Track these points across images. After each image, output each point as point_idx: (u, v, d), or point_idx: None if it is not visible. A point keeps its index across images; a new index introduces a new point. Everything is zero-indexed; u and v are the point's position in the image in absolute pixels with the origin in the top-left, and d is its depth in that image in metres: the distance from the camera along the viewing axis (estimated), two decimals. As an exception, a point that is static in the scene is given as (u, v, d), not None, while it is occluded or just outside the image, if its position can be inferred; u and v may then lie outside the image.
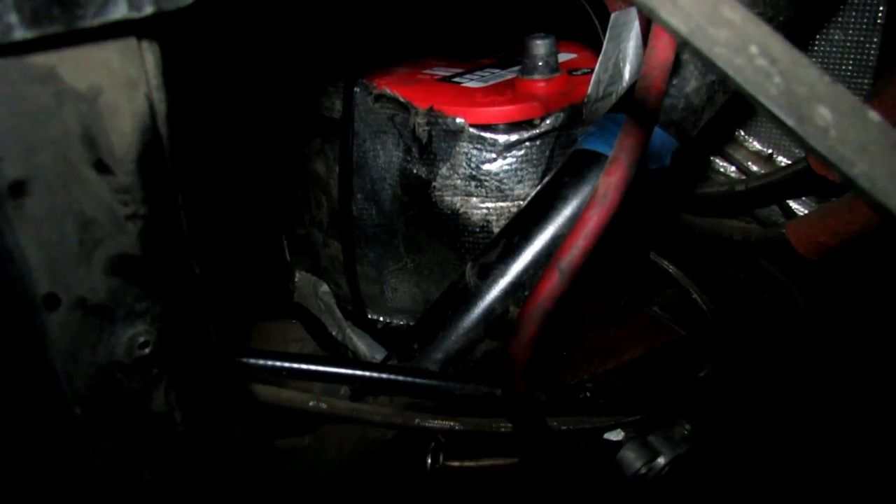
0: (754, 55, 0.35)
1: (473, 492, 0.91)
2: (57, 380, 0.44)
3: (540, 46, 0.93)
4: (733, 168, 1.19)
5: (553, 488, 0.89)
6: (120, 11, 0.38)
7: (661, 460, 0.82)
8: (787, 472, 0.95)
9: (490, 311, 0.71)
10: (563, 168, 0.75)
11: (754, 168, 1.16)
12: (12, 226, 0.40)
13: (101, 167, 0.42)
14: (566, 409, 0.74)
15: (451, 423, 0.71)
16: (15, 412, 0.45)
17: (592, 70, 0.91)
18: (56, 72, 0.39)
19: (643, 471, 0.80)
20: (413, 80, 1.02)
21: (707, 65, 0.35)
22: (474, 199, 0.94)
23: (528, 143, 0.91)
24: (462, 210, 0.96)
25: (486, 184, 0.93)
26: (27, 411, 0.44)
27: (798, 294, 1.07)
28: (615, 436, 0.81)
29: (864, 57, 1.03)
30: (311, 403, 0.68)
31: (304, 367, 0.66)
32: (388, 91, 0.95)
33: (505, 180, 0.93)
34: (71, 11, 0.37)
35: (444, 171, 0.94)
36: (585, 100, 0.92)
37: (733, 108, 1.04)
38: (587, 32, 1.01)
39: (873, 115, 0.35)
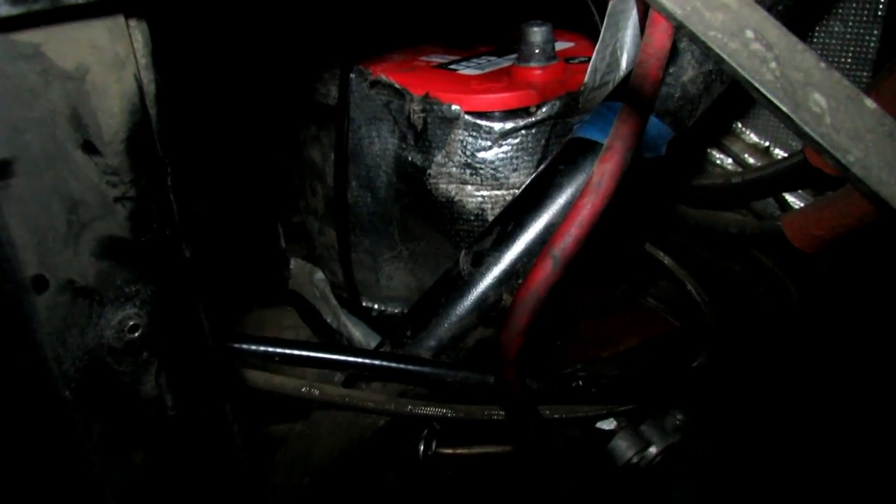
0: (749, 40, 0.34)
1: (466, 479, 0.91)
2: (46, 362, 0.44)
3: (537, 34, 0.93)
4: (730, 160, 1.18)
5: (545, 476, 0.89)
6: (107, -12, 0.38)
7: (652, 450, 0.82)
8: (779, 464, 0.96)
9: (483, 298, 0.71)
10: (558, 156, 0.75)
11: (751, 160, 1.16)
12: (-1, 206, 0.40)
13: (89, 148, 0.42)
14: (559, 398, 0.74)
15: (444, 410, 0.71)
16: (3, 394, 0.45)
17: (589, 59, 0.91)
18: (42, 50, 0.38)
19: (635, 460, 0.80)
20: (409, 66, 1.02)
21: (702, 49, 0.35)
22: (469, 186, 0.94)
23: (523, 131, 0.91)
24: (457, 198, 0.95)
25: (481, 172, 0.93)
26: (16, 393, 0.44)
27: (792, 287, 1.07)
28: (607, 425, 0.81)
29: (864, 49, 1.02)
30: (303, 389, 0.67)
31: (296, 352, 0.66)
32: (383, 77, 0.94)
33: (500, 168, 0.92)
34: (57, -12, 0.36)
35: (439, 158, 0.94)
36: (582, 88, 0.91)
37: (730, 99, 1.04)
38: (584, 21, 1.00)
39: (869, 103, 0.35)
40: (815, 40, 1.06)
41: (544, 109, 0.90)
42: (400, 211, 1.02)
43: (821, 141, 0.35)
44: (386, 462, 0.90)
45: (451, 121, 0.91)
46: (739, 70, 0.35)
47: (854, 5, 1.01)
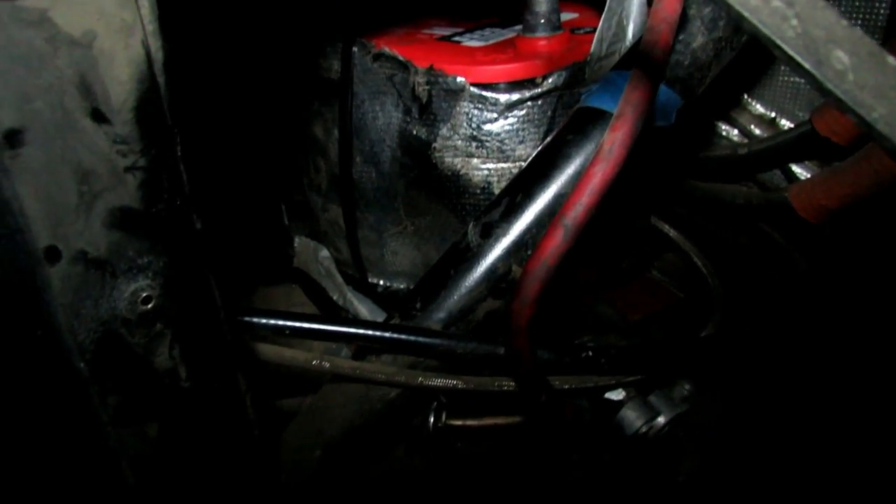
0: (772, -5, 0.34)
1: (475, 449, 0.91)
2: (60, 334, 0.44)
3: (542, 4, 0.91)
4: (736, 131, 1.18)
5: (554, 446, 0.90)
6: (114, -49, 0.37)
7: (661, 419, 0.82)
8: (786, 434, 0.96)
9: (492, 269, 0.71)
10: (567, 126, 0.74)
11: (757, 131, 1.15)
12: (10, 176, 0.39)
13: (98, 116, 0.41)
14: (568, 368, 0.74)
15: (454, 382, 0.71)
16: (19, 366, 0.45)
17: (595, 29, 0.90)
18: (49, 16, 0.38)
19: (643, 430, 0.81)
20: (412, 39, 1.00)
21: (721, 6, 0.34)
22: (475, 160, 0.93)
23: (529, 103, 0.90)
24: (463, 171, 0.95)
25: (487, 144, 0.92)
26: (31, 366, 0.44)
27: (799, 258, 1.07)
28: (616, 395, 0.81)
29: (874, 17, 1.01)
30: (314, 362, 0.68)
31: (306, 325, 0.65)
32: (387, 50, 0.93)
33: (506, 140, 0.91)
34: (64, -50, 0.36)
35: (444, 131, 0.93)
36: (588, 58, 0.90)
37: (736, 69, 1.03)
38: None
39: (892, 60, 0.34)
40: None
41: (550, 80, 0.89)
42: (405, 186, 1.01)
43: (844, 98, 0.34)
44: (396, 434, 0.90)
45: (457, 93, 0.90)
46: (760, 27, 0.34)
47: (864, -29, 1.00)
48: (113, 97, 0.42)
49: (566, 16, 1.04)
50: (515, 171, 0.92)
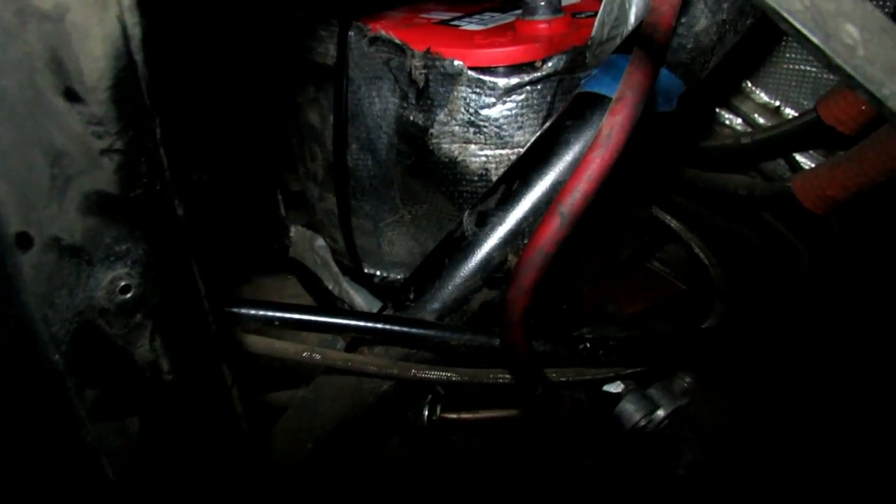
0: (779, -36, 0.32)
1: (470, 443, 0.90)
2: (33, 324, 0.42)
3: (542, -13, 0.89)
4: (739, 120, 1.15)
5: (551, 440, 0.88)
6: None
7: (660, 413, 0.80)
8: (787, 426, 0.95)
9: (488, 259, 0.69)
10: (565, 111, 0.72)
11: (761, 120, 1.13)
12: (-24, 157, 0.37)
13: (71, 95, 0.39)
14: (565, 360, 0.72)
15: (448, 374, 0.69)
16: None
17: (596, 13, 0.87)
18: (17, -13, 0.36)
19: (642, 423, 0.79)
20: (410, 23, 0.98)
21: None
22: (473, 146, 0.91)
23: (528, 87, 0.88)
24: (460, 158, 0.93)
25: (484, 130, 0.90)
26: (1, 357, 0.42)
27: (803, 250, 1.05)
28: (615, 388, 0.80)
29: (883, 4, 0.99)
30: (304, 354, 0.66)
31: (296, 316, 0.64)
32: (383, 33, 0.91)
33: (504, 126, 0.89)
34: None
35: (441, 117, 0.91)
36: (589, 42, 0.88)
37: (740, 57, 1.01)
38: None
39: (906, 35, 0.33)
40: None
41: (550, 64, 0.87)
42: (401, 173, 0.99)
43: (854, 74, 0.33)
44: (390, 427, 0.89)
45: (454, 77, 0.88)
46: (768, 0, 0.32)
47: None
48: (87, 75, 0.40)
49: None
50: (514, 157, 0.90)
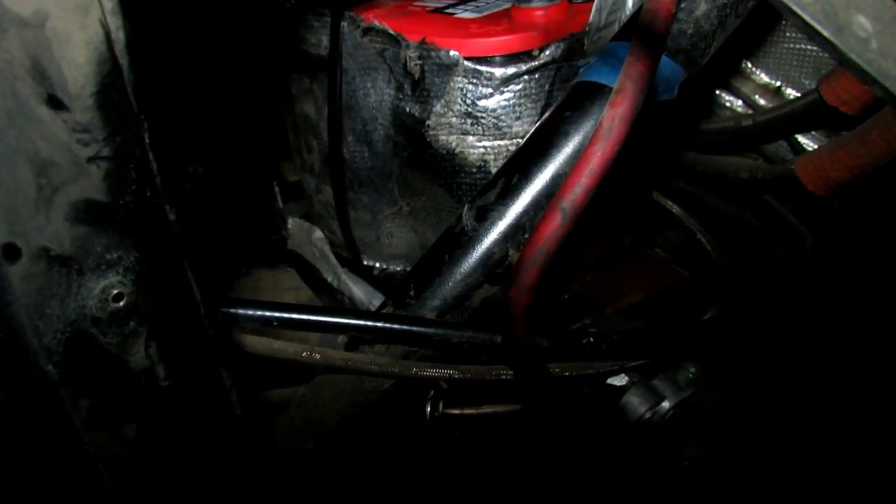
0: (788, -46, 0.31)
1: (474, 439, 0.89)
2: (23, 336, 0.41)
3: (538, -29, 0.87)
4: (740, 102, 1.14)
5: (555, 435, 0.88)
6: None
7: (665, 404, 0.80)
8: (792, 415, 0.94)
9: (489, 255, 0.68)
10: (564, 102, 0.71)
11: (762, 102, 1.11)
12: (-41, 169, 0.36)
13: (55, 103, 0.38)
14: (568, 355, 0.72)
15: (450, 372, 0.68)
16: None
17: (594, -2, 0.86)
18: (-7, -7, 0.35)
19: (647, 415, 0.79)
20: (403, 11, 0.96)
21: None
22: (471, 137, 0.90)
23: (526, 77, 0.86)
24: (458, 149, 0.91)
25: (482, 121, 0.89)
26: (-7, 370, 0.42)
27: (806, 233, 1.04)
28: (619, 381, 0.79)
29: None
30: (304, 354, 0.65)
31: (295, 316, 0.63)
32: (377, 23, 0.89)
33: (502, 117, 0.88)
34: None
35: (438, 108, 0.89)
36: (587, 29, 0.86)
37: (739, 37, 0.99)
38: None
39: (919, 26, 0.31)
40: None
41: (547, 52, 0.86)
42: (399, 165, 0.98)
43: (867, 68, 0.31)
44: (392, 425, 0.88)
45: (450, 67, 0.86)
46: (775, -9, 0.31)
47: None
48: (70, 82, 0.38)
49: (564, -15, 0.99)
50: (512, 148, 0.89)
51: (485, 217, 0.68)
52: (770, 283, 0.98)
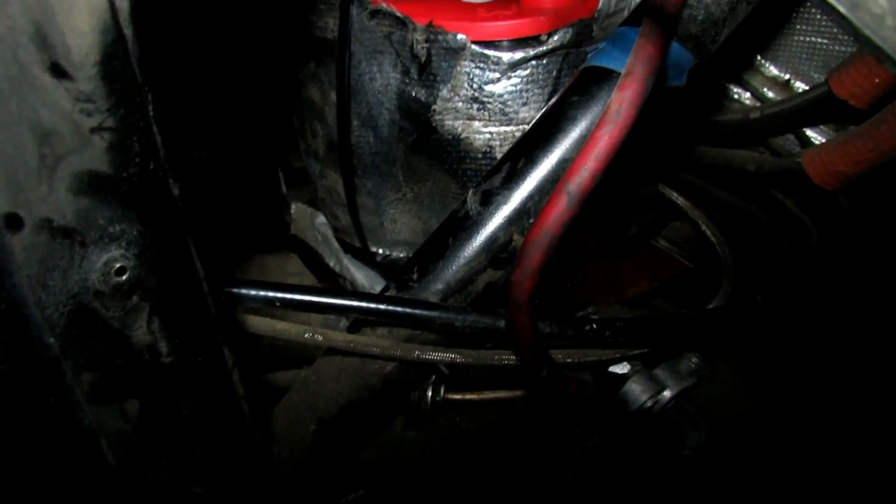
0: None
1: (475, 424, 0.89)
2: (25, 307, 0.41)
3: (547, -43, 0.86)
4: (748, 94, 1.13)
5: (556, 421, 0.88)
6: None
7: (667, 393, 0.80)
8: (794, 406, 0.94)
9: (493, 239, 0.67)
10: (572, 86, 0.70)
11: (770, 94, 1.10)
12: (-39, 136, 0.36)
13: (58, 71, 0.38)
14: (571, 341, 0.71)
15: (452, 356, 0.68)
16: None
17: (603, -16, 0.85)
18: (-4, -44, 0.34)
19: (649, 404, 0.78)
20: (411, -5, 0.95)
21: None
22: (477, 122, 0.89)
23: (533, 62, 0.85)
24: (464, 135, 0.91)
25: (489, 106, 0.88)
26: (-6, 340, 0.41)
27: (812, 227, 1.04)
28: (621, 369, 0.79)
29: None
30: (306, 335, 0.65)
31: (298, 297, 0.62)
32: (384, 6, 0.88)
33: (509, 102, 0.87)
34: None
35: (444, 93, 0.89)
36: (595, 14, 0.85)
37: (750, 28, 0.98)
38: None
39: (938, 3, 0.31)
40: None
41: (556, 38, 0.85)
42: (404, 150, 0.97)
43: (883, 45, 0.31)
44: (393, 408, 0.88)
45: (457, 51, 0.86)
46: (790, -35, 0.31)
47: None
48: (74, 50, 0.38)
49: (573, -30, 0.98)
50: (518, 134, 0.88)
51: (490, 201, 0.68)
52: (774, 275, 0.98)
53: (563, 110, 0.68)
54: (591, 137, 0.54)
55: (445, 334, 0.70)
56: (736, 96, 1.14)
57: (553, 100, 0.72)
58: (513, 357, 0.70)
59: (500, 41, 0.85)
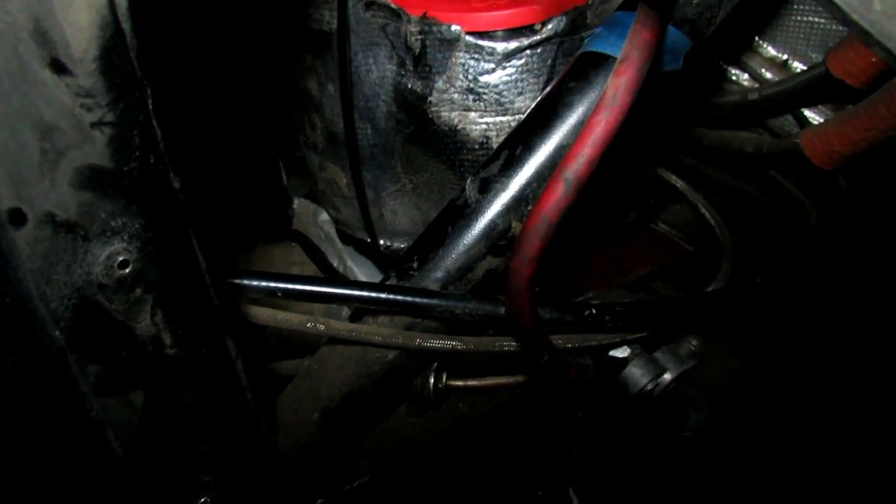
0: None
1: (477, 409, 0.90)
2: (30, 301, 0.42)
3: (541, -56, 0.86)
4: (746, 75, 1.13)
5: (558, 405, 0.88)
6: None
7: (667, 376, 0.80)
8: (794, 387, 0.94)
9: (491, 226, 0.68)
10: (568, 72, 0.70)
11: (768, 75, 1.10)
12: (-37, 133, 0.36)
13: (58, 67, 0.38)
14: (571, 327, 0.72)
15: (454, 343, 0.69)
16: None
17: (598, -31, 0.85)
18: (-6, -46, 0.35)
19: (649, 387, 0.79)
20: (406, -16, 0.95)
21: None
22: (473, 113, 0.89)
23: (528, 52, 0.86)
24: (460, 126, 0.91)
25: (484, 97, 0.88)
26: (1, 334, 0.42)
27: (811, 207, 1.04)
28: (621, 353, 0.80)
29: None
30: (308, 324, 0.65)
31: (299, 287, 0.63)
32: (379, -3, 0.88)
33: (504, 92, 0.87)
34: None
35: (440, 84, 0.89)
36: (590, 2, 0.85)
37: (747, 8, 0.98)
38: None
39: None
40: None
41: (550, 26, 0.85)
42: (401, 142, 0.98)
43: (870, 29, 0.31)
44: (396, 395, 0.89)
45: (452, 43, 0.86)
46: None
47: None
48: (73, 46, 0.38)
49: (567, -43, 0.98)
50: (515, 124, 0.88)
51: (488, 189, 0.68)
52: (773, 257, 0.98)
53: (560, 96, 0.68)
54: (588, 124, 0.54)
55: (446, 322, 0.71)
56: (734, 78, 1.14)
57: (550, 86, 0.73)
58: (513, 343, 0.71)
59: (495, 31, 0.85)
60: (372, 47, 0.94)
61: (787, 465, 0.87)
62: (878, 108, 0.85)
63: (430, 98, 0.91)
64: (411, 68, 0.91)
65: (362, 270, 1.14)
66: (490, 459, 0.89)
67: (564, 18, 0.86)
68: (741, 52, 1.10)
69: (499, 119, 0.90)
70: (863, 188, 1.00)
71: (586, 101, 0.67)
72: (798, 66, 1.07)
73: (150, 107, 0.43)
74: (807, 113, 1.06)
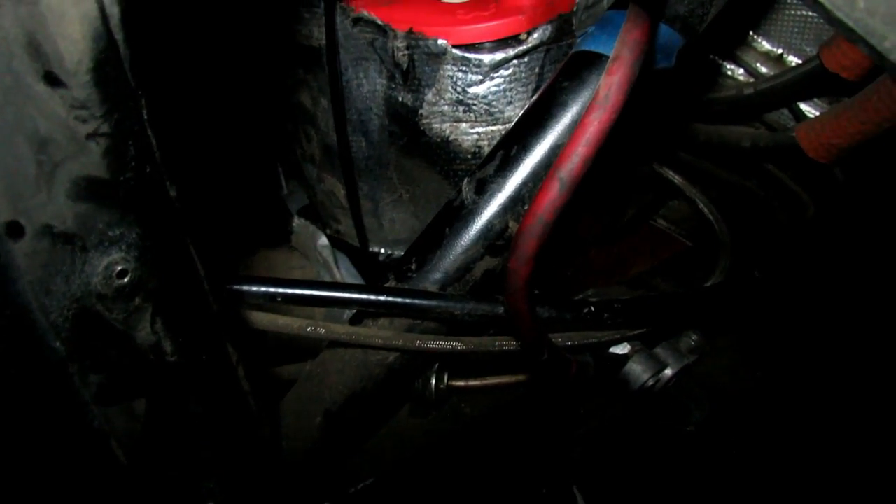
0: None
1: (479, 409, 0.90)
2: (30, 312, 0.42)
3: (523, -48, 0.86)
4: (741, 70, 1.13)
5: (559, 403, 0.88)
6: None
7: (668, 372, 0.80)
8: (794, 381, 0.95)
9: (489, 227, 0.68)
10: (562, 72, 0.70)
11: (763, 69, 1.10)
12: (-41, 147, 0.37)
13: (52, 79, 0.38)
14: (571, 325, 0.72)
15: (454, 344, 0.69)
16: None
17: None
18: (-14, -30, 0.35)
19: (650, 383, 0.79)
20: (393, -1, 0.95)
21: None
22: (463, 124, 0.89)
23: (515, 62, 0.85)
24: (452, 137, 0.91)
25: (474, 108, 0.88)
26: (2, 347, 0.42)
27: (808, 201, 1.04)
28: (621, 349, 0.80)
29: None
30: (308, 328, 0.66)
31: (298, 292, 0.63)
32: (365, 13, 0.88)
33: (494, 103, 0.87)
34: None
35: (430, 97, 0.89)
36: (574, 8, 0.85)
37: (740, 4, 0.98)
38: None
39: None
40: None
41: (536, 35, 0.84)
42: (395, 154, 0.98)
43: (855, 27, 0.31)
44: (398, 397, 0.89)
45: (439, 56, 0.86)
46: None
47: None
48: (67, 58, 0.39)
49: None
50: (506, 133, 0.88)
51: (484, 189, 0.68)
52: (771, 250, 0.98)
53: (553, 96, 0.69)
54: (581, 123, 0.54)
55: (446, 323, 0.71)
56: (729, 73, 1.14)
57: (544, 86, 0.73)
58: (513, 342, 0.71)
59: (481, 43, 0.84)
60: (362, 62, 0.94)
61: (788, 458, 0.87)
62: (872, 100, 0.85)
63: (420, 110, 0.91)
64: (401, 82, 0.91)
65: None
66: (493, 459, 0.90)
67: (550, 27, 0.85)
68: (736, 47, 1.10)
69: (490, 128, 0.90)
70: (859, 180, 1.00)
71: (580, 100, 0.67)
72: (793, 60, 1.08)
73: (145, 117, 0.43)
74: (803, 106, 1.06)
